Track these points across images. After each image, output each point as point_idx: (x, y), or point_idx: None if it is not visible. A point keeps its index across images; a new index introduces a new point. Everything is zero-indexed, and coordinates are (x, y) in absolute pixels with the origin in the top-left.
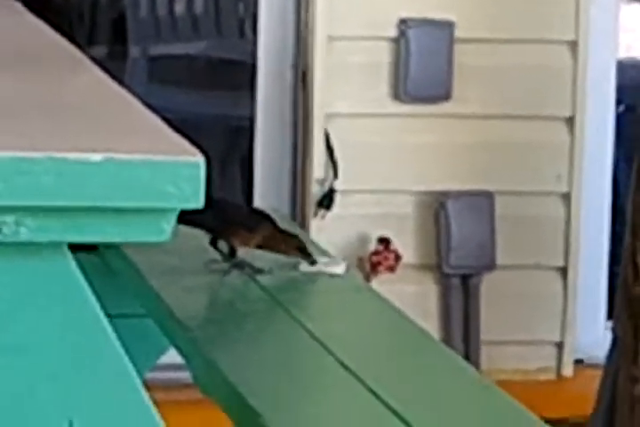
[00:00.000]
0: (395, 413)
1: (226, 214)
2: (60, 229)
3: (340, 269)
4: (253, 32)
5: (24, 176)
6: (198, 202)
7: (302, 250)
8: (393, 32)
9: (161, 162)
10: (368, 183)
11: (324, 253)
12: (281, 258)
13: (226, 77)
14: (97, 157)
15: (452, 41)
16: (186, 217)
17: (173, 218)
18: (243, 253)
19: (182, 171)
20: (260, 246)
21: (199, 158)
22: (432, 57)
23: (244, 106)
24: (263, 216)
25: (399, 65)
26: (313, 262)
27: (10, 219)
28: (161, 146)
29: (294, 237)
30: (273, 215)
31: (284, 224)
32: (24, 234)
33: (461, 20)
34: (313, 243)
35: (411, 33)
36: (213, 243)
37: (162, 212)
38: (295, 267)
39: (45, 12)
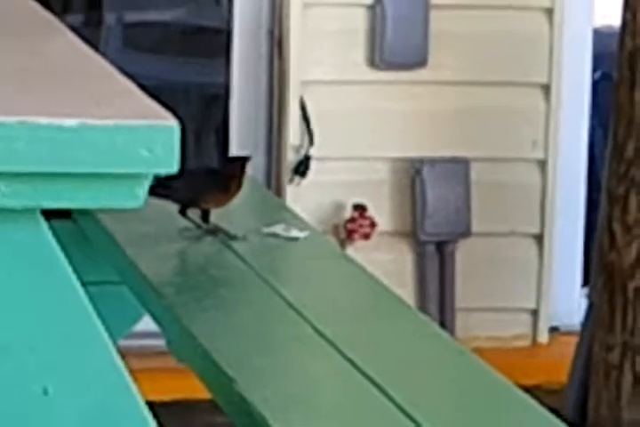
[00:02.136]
0: (370, 379)
1: (195, 182)
2: (33, 194)
3: (303, 233)
4: None
5: None
6: (172, 167)
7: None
8: None
9: (135, 127)
10: (343, 150)
11: (297, 219)
12: (247, 223)
13: (201, 44)
14: (71, 122)
15: (427, 7)
16: (155, 189)
17: (147, 184)
18: (214, 219)
19: (156, 135)
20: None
21: (173, 123)
22: (408, 23)
23: (219, 73)
24: (233, 163)
25: (375, 31)
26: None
27: None
28: (135, 111)
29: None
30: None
31: (259, 191)
32: None
33: None
34: (287, 208)
35: None
36: (182, 212)
37: (136, 177)
38: (257, 231)
39: None
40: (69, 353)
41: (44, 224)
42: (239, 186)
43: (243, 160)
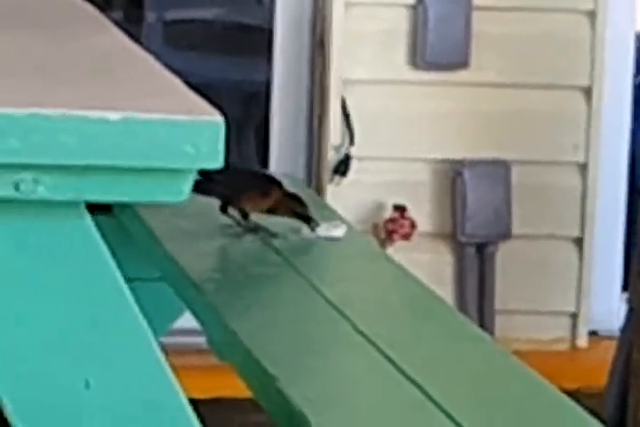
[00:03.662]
0: (409, 379)
1: (238, 180)
2: (77, 187)
3: (338, 232)
4: None
5: (41, 133)
6: (217, 162)
7: (307, 216)
8: None
9: (180, 122)
10: (384, 150)
11: (337, 218)
12: (288, 223)
13: (242, 42)
14: (115, 115)
15: (470, 8)
16: (199, 186)
17: (191, 179)
18: (255, 218)
19: (201, 131)
20: (269, 211)
21: (218, 118)
22: (450, 24)
23: (260, 71)
24: (272, 181)
25: (417, 32)
26: (314, 228)
27: (27, 176)
28: (180, 106)
29: (299, 200)
30: (282, 179)
31: (299, 190)
32: (41, 192)
33: None
34: (328, 207)
35: None
36: (223, 209)
37: (180, 172)
38: (297, 231)
39: None
40: (113, 348)
41: (88, 218)
42: (281, 204)
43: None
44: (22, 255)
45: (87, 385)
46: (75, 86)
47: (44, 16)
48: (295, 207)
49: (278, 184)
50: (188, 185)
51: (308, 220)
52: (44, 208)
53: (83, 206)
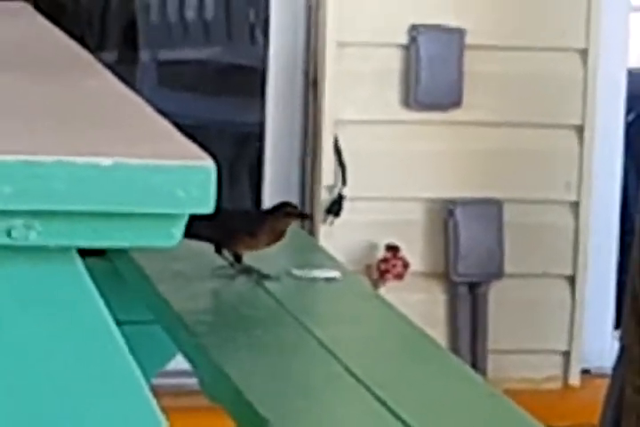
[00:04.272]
0: (402, 421)
1: (227, 223)
2: (69, 233)
3: (335, 273)
4: (264, 38)
5: (34, 180)
6: (208, 207)
7: (298, 215)
8: (403, 39)
9: (171, 166)
10: (377, 190)
11: (330, 259)
12: (282, 265)
13: (236, 83)
14: (107, 161)
15: (462, 48)
16: (188, 230)
17: (183, 223)
18: (247, 259)
19: (192, 176)
20: (269, 244)
21: (209, 163)
22: (442, 64)
23: (253, 112)
24: (260, 214)
25: (409, 72)
26: (308, 217)
27: (19, 223)
28: (171, 151)
29: (288, 207)
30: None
31: (292, 232)
32: (33, 238)
33: (472, 27)
34: (320, 248)
35: (421, 39)
36: (218, 251)
37: (172, 217)
38: (288, 272)
39: (56, 16)
40: (102, 390)
41: (79, 263)
42: (276, 235)
43: (283, 208)
44: (14, 300)
45: None
46: (66, 132)
47: (33, 59)
48: (293, 214)
49: (268, 212)
50: (179, 229)
51: (302, 216)
52: (36, 254)
53: (74, 252)
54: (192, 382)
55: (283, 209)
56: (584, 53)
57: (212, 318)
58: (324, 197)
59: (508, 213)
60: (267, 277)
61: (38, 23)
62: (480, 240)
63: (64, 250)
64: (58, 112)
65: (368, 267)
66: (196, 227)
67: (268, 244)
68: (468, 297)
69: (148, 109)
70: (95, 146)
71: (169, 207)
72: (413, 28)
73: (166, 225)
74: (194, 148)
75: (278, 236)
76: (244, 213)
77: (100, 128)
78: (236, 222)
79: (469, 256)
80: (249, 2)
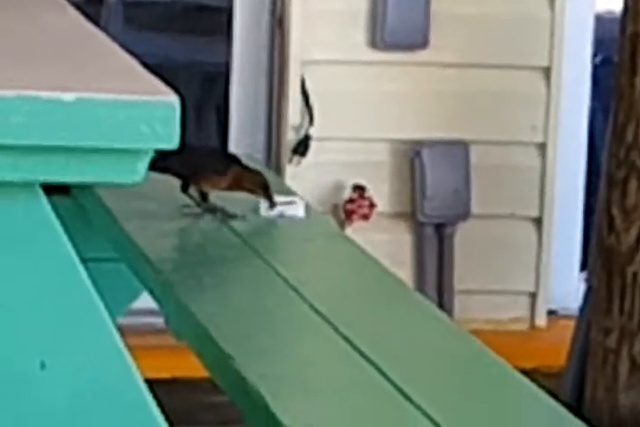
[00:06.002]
0: (366, 358)
1: (195, 159)
2: (32, 168)
3: (299, 211)
4: None
5: None
6: (173, 143)
7: (267, 188)
8: None
9: (135, 102)
10: (343, 131)
11: (289, 192)
12: (248, 203)
13: (202, 23)
14: (69, 96)
15: None
16: (156, 163)
17: (147, 159)
18: (214, 197)
19: (157, 111)
20: (229, 188)
21: (174, 99)
22: (409, 4)
23: (219, 52)
24: (231, 157)
25: (376, 12)
26: (272, 205)
27: None
28: (136, 86)
29: (259, 175)
30: (240, 157)
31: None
32: None
33: None
34: (287, 187)
35: None
36: (184, 189)
37: (136, 152)
38: (256, 211)
39: None
40: (68, 329)
41: (43, 198)
42: (239, 186)
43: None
44: None
45: (42, 366)
46: (29, 67)
47: None
48: (261, 181)
49: (237, 161)
50: (143, 166)
51: (269, 196)
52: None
53: (38, 187)
54: (158, 320)
55: (258, 179)
56: None
57: (177, 256)
58: (291, 138)
59: (475, 155)
60: (232, 216)
61: None
62: (447, 181)
63: (28, 185)
64: (22, 48)
65: (335, 207)
66: (166, 161)
67: (231, 188)
68: (435, 238)
69: (113, 46)
70: (58, 81)
71: (133, 143)
72: None
73: (130, 161)
74: (158, 83)
75: (241, 187)
76: (213, 151)
77: (62, 64)
78: (205, 160)
79: (436, 197)
80: None
